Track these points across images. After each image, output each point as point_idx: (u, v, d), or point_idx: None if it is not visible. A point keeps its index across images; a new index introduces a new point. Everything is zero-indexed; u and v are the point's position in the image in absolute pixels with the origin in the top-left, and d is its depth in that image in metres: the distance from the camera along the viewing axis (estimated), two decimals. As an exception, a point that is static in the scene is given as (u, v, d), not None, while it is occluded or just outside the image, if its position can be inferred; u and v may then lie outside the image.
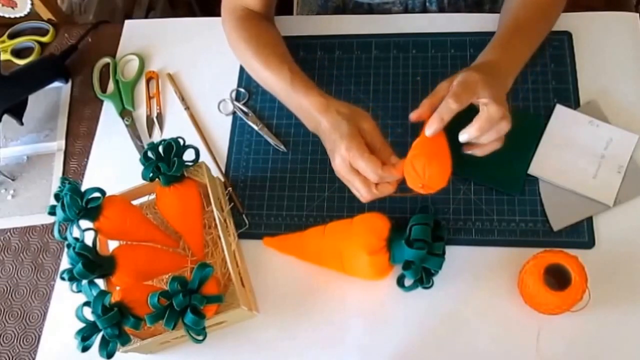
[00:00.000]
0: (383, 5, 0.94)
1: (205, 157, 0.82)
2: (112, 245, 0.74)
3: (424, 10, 0.94)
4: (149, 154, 0.71)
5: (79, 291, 0.65)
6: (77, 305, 0.63)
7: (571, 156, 0.75)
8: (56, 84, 0.94)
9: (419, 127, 0.80)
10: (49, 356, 0.75)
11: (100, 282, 0.67)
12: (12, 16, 1.00)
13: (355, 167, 0.66)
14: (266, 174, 0.81)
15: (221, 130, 0.85)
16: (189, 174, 0.74)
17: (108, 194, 0.70)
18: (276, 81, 0.76)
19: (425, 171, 0.63)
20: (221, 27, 0.86)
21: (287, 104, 0.76)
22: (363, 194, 0.67)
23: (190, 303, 0.61)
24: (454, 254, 0.72)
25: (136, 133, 0.87)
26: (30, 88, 0.90)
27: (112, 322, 0.60)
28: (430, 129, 0.63)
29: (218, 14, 0.87)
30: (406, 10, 0.94)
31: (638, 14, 0.84)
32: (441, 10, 0.93)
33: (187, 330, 0.62)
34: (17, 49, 0.98)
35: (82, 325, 0.61)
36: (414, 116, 0.66)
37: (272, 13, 0.86)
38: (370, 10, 0.96)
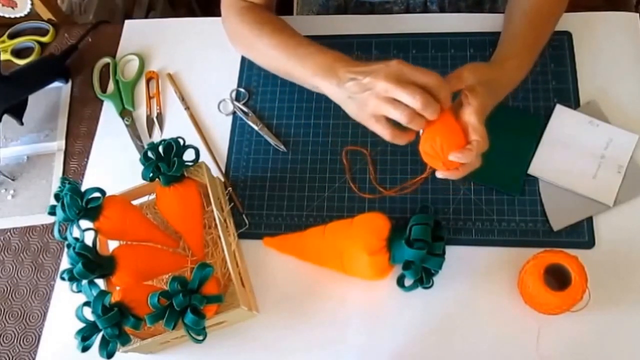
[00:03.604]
0: (384, 5, 0.94)
1: (205, 157, 0.82)
2: (112, 245, 0.74)
3: (425, 10, 0.94)
4: (149, 154, 0.71)
5: (79, 291, 0.65)
6: (77, 305, 0.63)
7: (571, 156, 0.75)
8: (56, 84, 0.94)
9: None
10: (49, 356, 0.74)
11: (100, 282, 0.67)
12: (12, 16, 1.00)
13: (403, 89, 0.60)
14: (266, 174, 0.81)
15: (221, 130, 0.85)
16: (189, 174, 0.74)
17: (108, 194, 0.70)
18: (290, 48, 0.72)
19: (435, 149, 0.62)
20: (221, 27, 0.86)
21: (303, 68, 0.71)
22: (414, 123, 0.61)
23: (190, 303, 0.61)
24: (454, 254, 0.72)
25: (136, 133, 0.87)
26: (30, 88, 0.90)
27: (112, 322, 0.60)
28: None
29: (218, 14, 0.87)
30: (407, 10, 0.94)
31: (638, 14, 0.84)
32: (442, 10, 0.93)
33: (187, 330, 0.62)
34: (17, 49, 0.98)
35: (82, 325, 0.61)
36: None
37: (273, 5, 0.85)
38: (372, 9, 0.96)
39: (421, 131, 0.66)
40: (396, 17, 0.91)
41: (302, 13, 1.07)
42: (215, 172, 0.81)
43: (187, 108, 0.88)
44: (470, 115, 0.63)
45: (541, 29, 0.75)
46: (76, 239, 0.65)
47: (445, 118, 0.64)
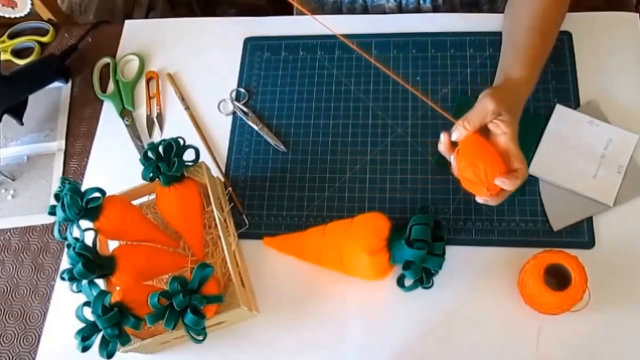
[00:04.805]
0: (377, 1, 0.94)
1: (205, 157, 0.82)
2: (112, 245, 0.74)
3: (418, 7, 0.93)
4: (149, 154, 0.71)
5: (79, 291, 0.65)
6: (77, 305, 0.62)
7: (571, 156, 0.75)
8: (56, 84, 0.94)
9: (419, 127, 0.80)
10: (49, 356, 0.74)
11: (100, 282, 0.67)
12: (12, 16, 1.00)
13: None
14: (266, 174, 0.81)
15: (221, 130, 0.85)
16: (189, 174, 0.74)
17: (108, 194, 0.70)
18: None
19: (479, 176, 0.63)
20: (221, 27, 0.85)
21: None
22: None
23: (190, 303, 0.61)
24: (454, 254, 0.72)
25: (136, 133, 0.87)
26: (30, 88, 0.90)
27: (112, 322, 0.60)
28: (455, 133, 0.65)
29: (218, 14, 0.87)
30: (400, 7, 0.94)
31: (638, 14, 0.84)
32: (435, 8, 0.93)
33: (187, 330, 0.62)
34: (17, 49, 0.98)
35: (82, 325, 0.61)
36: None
37: None
38: (365, 6, 0.96)
39: (452, 158, 0.67)
40: (396, 17, 0.91)
41: (302, 13, 1.07)
42: (215, 172, 0.81)
43: (187, 108, 0.88)
44: (509, 143, 0.65)
45: (548, 35, 0.75)
46: (76, 239, 0.65)
47: (482, 143, 0.65)
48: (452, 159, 0.68)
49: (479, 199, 0.67)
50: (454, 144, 0.67)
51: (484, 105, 0.65)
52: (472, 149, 0.65)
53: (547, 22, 0.74)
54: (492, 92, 0.66)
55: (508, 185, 0.64)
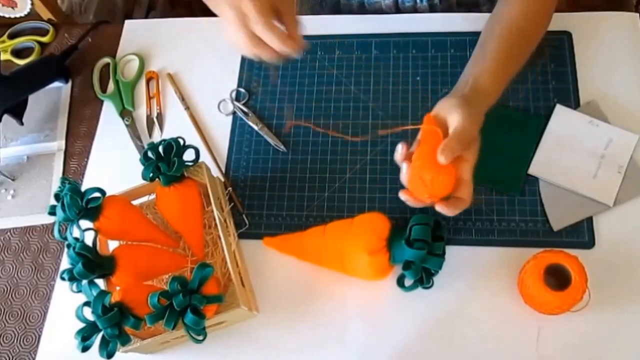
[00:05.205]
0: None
1: (205, 157, 0.82)
2: (112, 245, 0.74)
3: (415, 5, 0.93)
4: (149, 154, 0.71)
5: (79, 291, 0.65)
6: (77, 305, 0.63)
7: (571, 156, 0.75)
8: (56, 84, 0.94)
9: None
10: (49, 356, 0.75)
11: (100, 282, 0.67)
12: (12, 16, 1.00)
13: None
14: (266, 174, 0.81)
15: (221, 130, 0.85)
16: (189, 174, 0.74)
17: (108, 194, 0.70)
18: None
19: (434, 183, 0.63)
20: (221, 27, 0.85)
21: None
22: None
23: (190, 303, 0.61)
24: (454, 254, 0.72)
25: (136, 133, 0.87)
26: (30, 88, 0.90)
27: (112, 322, 0.60)
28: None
29: (217, 14, 0.86)
30: (397, 5, 0.94)
31: (638, 14, 0.84)
32: (432, 7, 0.93)
33: (187, 330, 0.62)
34: (17, 49, 0.98)
35: (82, 325, 0.61)
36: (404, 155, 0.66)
37: None
38: (362, 3, 0.96)
39: (404, 166, 0.65)
40: (395, 17, 0.91)
41: (302, 12, 1.07)
42: (215, 172, 0.81)
43: (187, 108, 0.88)
44: (468, 172, 0.63)
45: (523, 48, 0.73)
46: (76, 239, 0.65)
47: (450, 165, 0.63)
48: (404, 167, 0.65)
49: (402, 196, 0.66)
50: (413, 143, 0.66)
51: (473, 134, 0.63)
52: (434, 155, 0.62)
53: (523, 34, 0.72)
54: (478, 120, 0.64)
55: (445, 212, 0.64)
